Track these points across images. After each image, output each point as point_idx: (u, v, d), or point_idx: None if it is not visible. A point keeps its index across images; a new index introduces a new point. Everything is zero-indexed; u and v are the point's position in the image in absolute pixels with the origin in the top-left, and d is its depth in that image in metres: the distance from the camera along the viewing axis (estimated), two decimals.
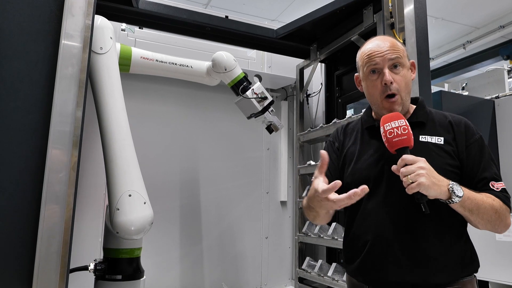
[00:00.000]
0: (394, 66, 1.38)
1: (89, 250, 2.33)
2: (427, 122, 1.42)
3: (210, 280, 2.80)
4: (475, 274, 1.35)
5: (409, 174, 1.18)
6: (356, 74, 1.51)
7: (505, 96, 4.28)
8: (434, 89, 7.48)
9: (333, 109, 3.10)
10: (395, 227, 1.32)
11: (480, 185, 1.32)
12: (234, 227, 2.96)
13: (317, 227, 2.71)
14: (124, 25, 2.84)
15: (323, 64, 3.22)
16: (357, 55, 1.48)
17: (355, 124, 1.60)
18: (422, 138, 1.37)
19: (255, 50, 3.24)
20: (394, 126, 1.26)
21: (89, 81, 1.87)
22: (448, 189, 1.20)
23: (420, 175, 1.17)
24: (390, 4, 2.17)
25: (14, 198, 1.32)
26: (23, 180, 1.33)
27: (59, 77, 1.39)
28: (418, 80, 2.08)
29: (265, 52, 3.20)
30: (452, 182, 1.21)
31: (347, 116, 2.53)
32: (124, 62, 2.13)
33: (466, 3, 6.49)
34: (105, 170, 1.82)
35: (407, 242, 1.30)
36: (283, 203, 3.13)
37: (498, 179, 1.33)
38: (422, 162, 1.20)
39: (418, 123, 1.41)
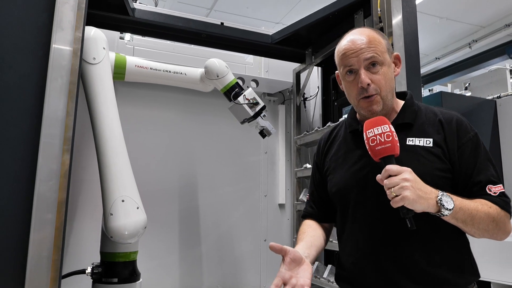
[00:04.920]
0: (371, 65, 1.26)
1: (88, 254, 2.38)
2: (415, 122, 1.30)
3: (208, 283, 2.84)
4: (475, 281, 1.26)
5: (393, 187, 1.07)
6: (336, 72, 1.39)
7: (506, 95, 4.27)
8: (439, 88, 7.46)
9: (329, 112, 3.13)
10: (383, 240, 1.24)
11: (475, 190, 1.20)
12: (233, 230, 3.00)
13: None
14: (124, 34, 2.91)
15: (320, 68, 3.25)
16: (335, 51, 1.36)
17: (339, 128, 1.52)
18: (409, 141, 1.26)
19: (252, 55, 3.28)
20: (377, 133, 1.15)
21: (84, 90, 1.93)
22: (437, 202, 1.09)
23: (404, 188, 1.06)
24: (379, 9, 2.19)
25: (6, 206, 1.38)
26: (15, 188, 1.40)
27: (49, 88, 1.45)
28: (407, 84, 2.11)
29: (262, 57, 3.24)
30: (441, 193, 1.11)
31: (340, 119, 2.55)
32: (119, 71, 2.20)
33: (471, 2, 6.47)
34: (99, 177, 1.88)
35: (395, 256, 1.21)
36: (281, 205, 3.17)
37: (496, 181, 1.20)
38: (407, 173, 1.09)
39: (405, 124, 1.30)
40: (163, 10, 2.68)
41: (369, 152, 1.18)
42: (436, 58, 8.40)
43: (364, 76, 1.24)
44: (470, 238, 1.28)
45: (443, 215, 1.11)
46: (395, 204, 1.08)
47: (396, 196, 1.07)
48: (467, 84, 5.23)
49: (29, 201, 1.38)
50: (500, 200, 1.18)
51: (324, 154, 1.50)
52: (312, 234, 1.42)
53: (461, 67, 8.15)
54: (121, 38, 2.89)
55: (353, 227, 1.32)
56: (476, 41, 7.63)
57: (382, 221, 1.24)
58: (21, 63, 1.47)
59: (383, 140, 1.14)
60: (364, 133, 1.19)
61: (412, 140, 1.26)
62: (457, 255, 1.23)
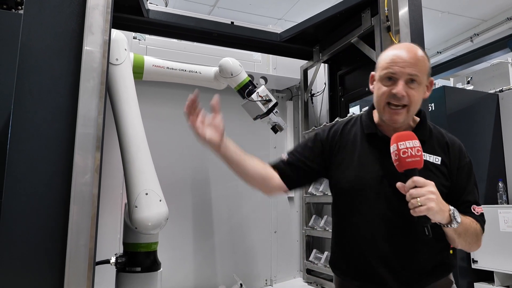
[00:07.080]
0: (411, 80, 1.35)
1: (109, 245, 2.50)
2: (427, 140, 1.43)
3: (222, 273, 2.97)
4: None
5: (419, 197, 1.18)
6: (372, 72, 1.47)
7: (509, 89, 4.34)
8: (442, 82, 7.51)
9: (336, 108, 3.23)
10: (391, 241, 1.37)
11: (463, 207, 1.37)
12: (244, 222, 3.11)
13: (323, 221, 2.84)
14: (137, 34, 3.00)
15: (326, 65, 3.34)
16: (381, 54, 1.46)
17: (353, 124, 1.56)
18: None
19: (260, 53, 3.37)
20: (409, 146, 1.23)
21: (107, 90, 2.03)
22: (450, 215, 1.25)
23: (430, 199, 1.18)
24: (386, 8, 2.28)
25: (46, 198, 1.49)
26: (53, 182, 1.51)
27: (82, 89, 1.56)
28: None
29: (270, 55, 3.33)
30: (452, 208, 1.26)
31: (348, 115, 2.66)
32: (138, 71, 2.30)
33: None
34: (123, 171, 1.99)
35: (401, 254, 1.37)
36: (290, 198, 3.28)
37: (479, 203, 1.43)
38: (432, 186, 1.21)
39: (420, 140, 1.33)
40: (175, 11, 2.77)
41: (396, 163, 1.26)
42: (438, 52, 8.45)
43: (402, 87, 1.34)
44: None
45: (452, 227, 1.27)
46: (418, 212, 1.19)
47: (421, 205, 1.18)
48: (470, 78, 5.30)
49: (67, 194, 1.49)
50: (481, 220, 1.40)
51: (334, 145, 1.53)
52: (256, 161, 1.56)
53: (463, 61, 8.19)
54: (134, 38, 2.99)
55: (358, 220, 1.43)
56: (477, 34, 7.68)
57: (391, 224, 1.38)
58: (55, 66, 1.58)
59: (414, 154, 1.23)
60: (394, 144, 1.26)
61: (425, 155, 1.36)
62: (444, 254, 1.43)
